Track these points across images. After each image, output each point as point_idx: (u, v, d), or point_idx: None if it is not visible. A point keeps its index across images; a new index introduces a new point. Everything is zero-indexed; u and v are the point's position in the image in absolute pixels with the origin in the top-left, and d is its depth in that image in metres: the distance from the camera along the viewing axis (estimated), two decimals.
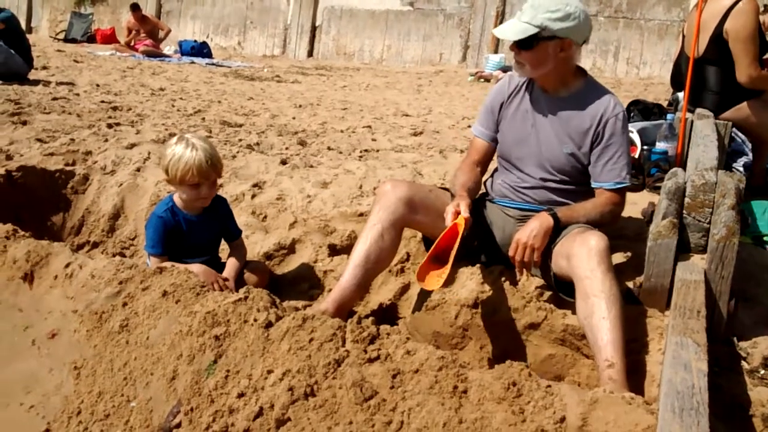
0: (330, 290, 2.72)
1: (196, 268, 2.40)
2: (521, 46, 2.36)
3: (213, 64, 10.78)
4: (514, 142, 2.55)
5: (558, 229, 2.31)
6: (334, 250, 2.93)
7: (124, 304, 2.09)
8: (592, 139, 2.41)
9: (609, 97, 2.44)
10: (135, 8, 11.94)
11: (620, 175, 2.40)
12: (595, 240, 2.13)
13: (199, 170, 2.45)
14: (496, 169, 2.70)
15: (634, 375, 2.01)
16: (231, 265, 2.61)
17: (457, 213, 2.34)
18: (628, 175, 2.41)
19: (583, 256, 2.11)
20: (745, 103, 3.55)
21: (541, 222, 2.29)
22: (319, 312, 1.97)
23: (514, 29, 2.35)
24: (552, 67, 2.38)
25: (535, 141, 2.49)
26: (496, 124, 2.60)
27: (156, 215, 2.54)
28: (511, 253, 2.31)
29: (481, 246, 2.59)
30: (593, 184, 2.45)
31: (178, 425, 1.74)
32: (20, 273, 2.40)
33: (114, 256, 3.01)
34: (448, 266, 2.22)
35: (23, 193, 3.44)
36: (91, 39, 13.84)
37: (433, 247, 2.32)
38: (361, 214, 3.11)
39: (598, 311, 2.01)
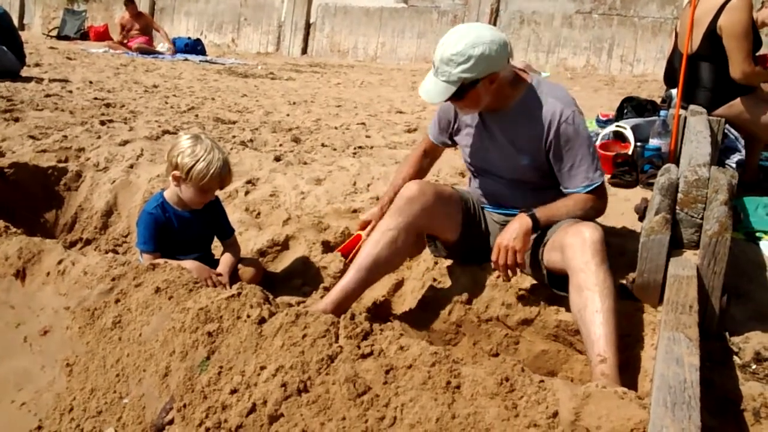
0: (324, 287, 2.72)
1: (189, 264, 2.39)
2: (452, 98, 2.28)
3: (207, 61, 10.73)
4: (474, 152, 2.52)
5: (538, 229, 2.28)
6: (327, 247, 2.93)
7: (117, 301, 2.09)
8: (545, 148, 2.34)
9: (554, 101, 2.31)
10: (130, 2, 11.80)
11: (588, 177, 2.31)
12: (590, 231, 2.12)
13: (223, 179, 2.48)
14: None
15: (628, 370, 2.02)
16: (225, 261, 2.61)
17: (366, 225, 2.57)
18: (597, 173, 2.31)
19: (577, 247, 2.10)
20: (738, 100, 3.55)
21: (520, 223, 2.26)
22: (318, 312, 1.95)
23: (437, 90, 2.25)
24: (490, 98, 2.32)
25: (492, 153, 2.46)
26: (450, 135, 2.62)
27: (146, 212, 2.53)
28: (493, 257, 2.28)
29: (475, 245, 2.58)
30: (564, 191, 2.38)
31: (171, 422, 1.73)
32: (12, 270, 2.39)
33: (107, 252, 3.01)
34: None
35: (16, 189, 3.43)
36: (84, 36, 13.78)
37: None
38: (355, 211, 3.10)
39: (591, 304, 2.00)
